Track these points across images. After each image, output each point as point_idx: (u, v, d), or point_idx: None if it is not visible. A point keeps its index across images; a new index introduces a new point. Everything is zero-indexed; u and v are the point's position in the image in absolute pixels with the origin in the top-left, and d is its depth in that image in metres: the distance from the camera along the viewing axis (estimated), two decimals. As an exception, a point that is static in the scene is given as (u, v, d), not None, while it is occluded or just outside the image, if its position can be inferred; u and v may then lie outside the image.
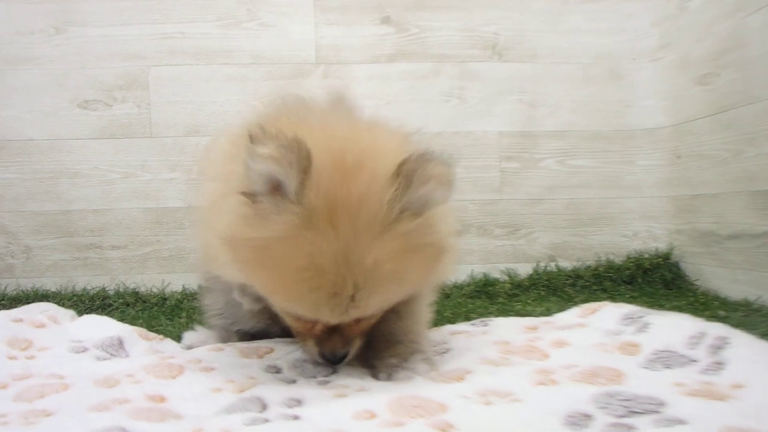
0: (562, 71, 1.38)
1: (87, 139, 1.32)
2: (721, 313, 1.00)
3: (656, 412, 0.47)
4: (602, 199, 1.38)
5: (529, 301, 1.21)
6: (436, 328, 0.81)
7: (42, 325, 0.76)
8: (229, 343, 0.73)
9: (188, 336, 0.82)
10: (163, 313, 1.17)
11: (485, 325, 0.80)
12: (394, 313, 0.64)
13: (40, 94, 1.31)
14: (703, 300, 1.14)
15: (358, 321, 0.58)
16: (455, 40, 1.36)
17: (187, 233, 1.33)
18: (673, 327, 0.64)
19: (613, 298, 1.22)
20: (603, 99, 1.38)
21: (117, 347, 0.73)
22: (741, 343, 0.56)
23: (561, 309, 1.09)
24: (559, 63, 1.38)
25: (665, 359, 0.58)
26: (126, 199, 1.32)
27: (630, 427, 0.45)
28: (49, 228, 1.31)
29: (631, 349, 0.62)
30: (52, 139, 1.31)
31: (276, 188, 0.53)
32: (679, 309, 1.07)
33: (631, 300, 1.18)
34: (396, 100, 1.35)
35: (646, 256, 1.34)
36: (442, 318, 1.03)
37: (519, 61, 1.37)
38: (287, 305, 0.58)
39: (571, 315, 0.80)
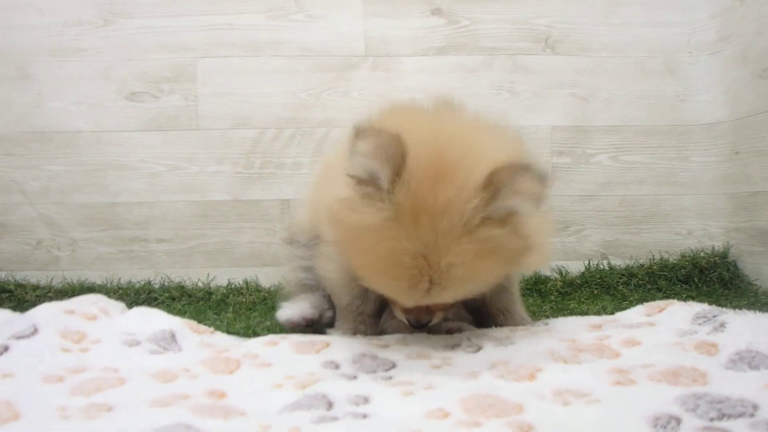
0: (615, 64, 1.36)
1: (134, 131, 1.32)
2: None
3: (751, 415, 0.45)
4: (656, 196, 1.36)
5: (582, 299, 1.20)
6: (489, 329, 0.79)
7: (94, 317, 0.75)
8: (284, 337, 0.72)
9: (283, 312, 0.84)
10: (210, 308, 1.17)
11: (546, 324, 0.79)
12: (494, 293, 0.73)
13: (87, 85, 1.32)
14: (765, 300, 1.11)
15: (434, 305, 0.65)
16: (506, 33, 1.35)
17: (233, 227, 1.33)
18: (754, 326, 0.61)
19: (669, 297, 1.18)
20: (658, 93, 1.36)
21: (169, 341, 0.72)
22: None
23: (617, 308, 1.08)
24: (613, 56, 1.36)
25: (750, 360, 0.56)
26: (172, 191, 1.32)
27: (725, 430, 0.43)
28: (94, 220, 1.32)
29: (709, 348, 0.60)
30: (98, 131, 1.32)
31: (374, 179, 0.59)
32: (740, 309, 1.05)
33: (689, 299, 1.15)
34: (446, 92, 1.33)
35: (702, 254, 1.31)
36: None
37: (571, 54, 1.35)
38: (372, 285, 0.65)
39: (636, 313, 0.78)
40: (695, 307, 0.72)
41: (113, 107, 1.32)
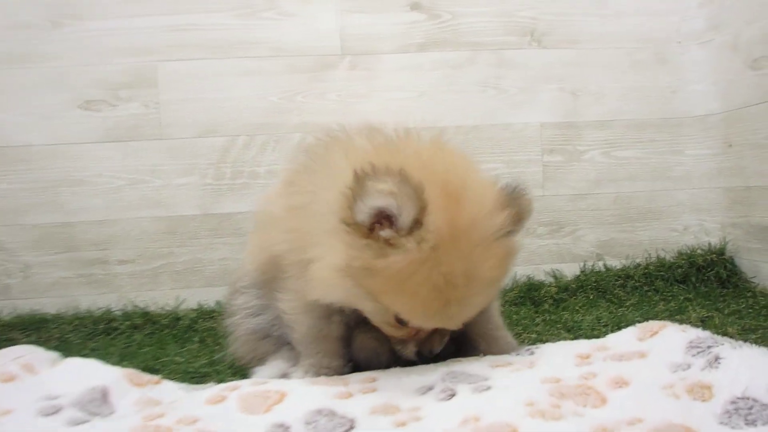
0: (605, 57, 1.32)
1: (90, 143, 1.22)
2: None
3: None
4: (651, 191, 1.33)
5: (577, 308, 1.15)
6: (474, 358, 0.73)
7: (11, 378, 0.66)
8: (237, 386, 0.65)
9: (262, 371, 0.78)
10: (174, 338, 1.09)
11: (531, 354, 0.73)
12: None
13: (38, 95, 1.22)
14: (763, 302, 1.09)
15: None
16: (491, 27, 1.30)
17: (204, 244, 1.24)
18: (751, 366, 0.57)
19: (667, 300, 1.16)
20: (649, 85, 1.33)
21: (99, 402, 0.64)
22: None
23: (613, 317, 1.04)
24: (602, 48, 1.32)
25: (746, 411, 0.51)
26: (134, 207, 1.22)
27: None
28: (49, 242, 1.21)
29: (703, 392, 0.55)
30: (52, 144, 1.22)
31: (391, 217, 0.60)
32: (739, 313, 1.03)
33: (687, 302, 1.14)
34: (429, 91, 1.28)
35: (699, 252, 1.28)
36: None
37: (559, 48, 1.31)
38: (418, 320, 0.65)
39: (628, 337, 0.73)
40: (690, 334, 0.67)
41: (67, 117, 1.23)
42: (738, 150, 1.26)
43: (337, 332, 0.74)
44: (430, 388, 0.63)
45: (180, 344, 1.04)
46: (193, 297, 1.23)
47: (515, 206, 0.65)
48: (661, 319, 1.01)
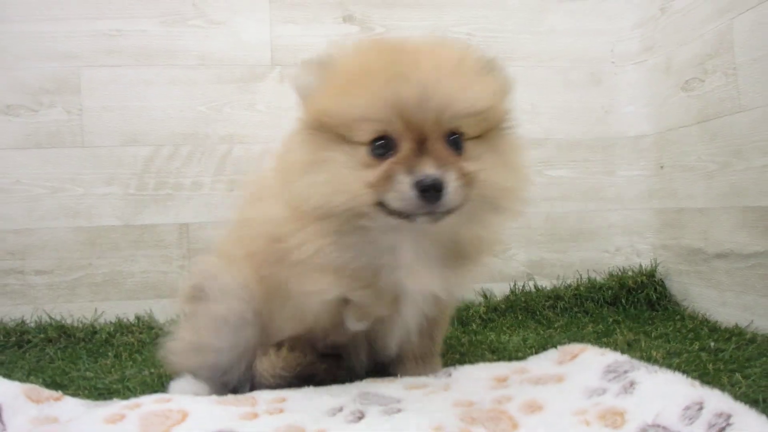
0: (539, 75, 1.34)
1: (8, 149, 1.21)
2: (712, 344, 0.96)
3: None
4: (582, 212, 1.34)
5: (504, 329, 1.17)
6: (391, 378, 0.74)
7: None
8: (140, 404, 0.65)
9: (175, 386, 0.76)
10: (88, 352, 1.08)
11: (449, 376, 0.74)
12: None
13: (-47, 97, 1.19)
14: (691, 326, 1.11)
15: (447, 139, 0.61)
16: (424, 41, 1.30)
17: (124, 255, 1.23)
18: (664, 392, 0.58)
19: (596, 321, 1.18)
20: (583, 105, 1.35)
21: None
22: (746, 424, 0.50)
23: (540, 338, 1.06)
24: (536, 66, 1.34)
25: None
26: (53, 217, 1.21)
27: None
28: (-38, 251, 1.19)
29: (615, 419, 0.56)
30: (-34, 149, 1.20)
31: None
32: (666, 336, 1.05)
33: (615, 325, 1.16)
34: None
35: (630, 273, 1.31)
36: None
37: (493, 64, 1.31)
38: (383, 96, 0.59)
39: (548, 361, 0.75)
40: (608, 357, 0.69)
41: (-16, 122, 1.20)
42: (669, 172, 1.28)
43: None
44: (340, 410, 0.64)
45: (93, 359, 1.04)
46: (111, 310, 1.22)
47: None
48: (587, 342, 1.03)
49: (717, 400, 0.53)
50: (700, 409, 0.53)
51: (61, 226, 1.22)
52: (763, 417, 0.51)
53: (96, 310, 1.21)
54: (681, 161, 1.24)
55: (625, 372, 0.63)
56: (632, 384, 0.60)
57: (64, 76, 1.23)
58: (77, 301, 1.22)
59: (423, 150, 0.59)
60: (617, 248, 1.35)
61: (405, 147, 0.59)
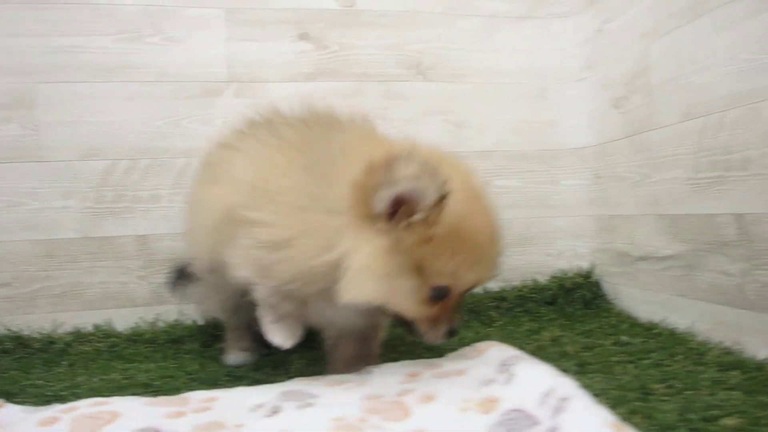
0: (488, 91, 1.42)
1: (-36, 163, 1.22)
2: (625, 338, 1.07)
3: None
4: (529, 218, 1.43)
5: None
6: (316, 377, 0.80)
7: None
8: (73, 408, 0.69)
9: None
10: (44, 361, 1.11)
11: (369, 373, 0.80)
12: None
13: None
14: (614, 322, 1.22)
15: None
16: (378, 59, 1.37)
17: (83, 267, 1.26)
18: (532, 381, 0.66)
19: (535, 319, 1.29)
20: (530, 119, 1.43)
21: None
22: (576, 408, 0.58)
23: (477, 336, 1.16)
24: (486, 82, 1.42)
25: (510, 423, 0.60)
26: (10, 230, 1.24)
27: None
28: None
29: (489, 406, 0.64)
30: None
31: (412, 200, 0.65)
32: (589, 332, 1.16)
33: (549, 322, 1.26)
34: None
35: (570, 275, 1.41)
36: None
37: (445, 81, 1.40)
38: (469, 273, 0.70)
39: (460, 357, 0.82)
40: (505, 352, 0.75)
41: (-61, 137, 1.22)
42: (604, 181, 1.38)
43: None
44: (261, 406, 0.69)
45: (47, 368, 1.06)
46: (71, 320, 1.25)
47: None
48: (518, 338, 1.12)
49: (564, 386, 0.61)
50: (550, 395, 0.61)
51: (19, 240, 1.24)
52: (592, 401, 0.60)
53: (55, 320, 1.24)
54: (613, 172, 1.35)
55: (512, 365, 0.71)
56: (512, 375, 0.68)
57: (20, 91, 1.25)
58: (36, 312, 1.24)
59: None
60: (560, 252, 1.44)
61: (453, 299, 0.73)
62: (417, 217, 0.65)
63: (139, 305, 1.27)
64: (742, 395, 0.75)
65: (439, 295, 0.70)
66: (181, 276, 1.15)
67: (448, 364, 0.79)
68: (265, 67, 1.34)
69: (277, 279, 0.72)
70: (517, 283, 1.39)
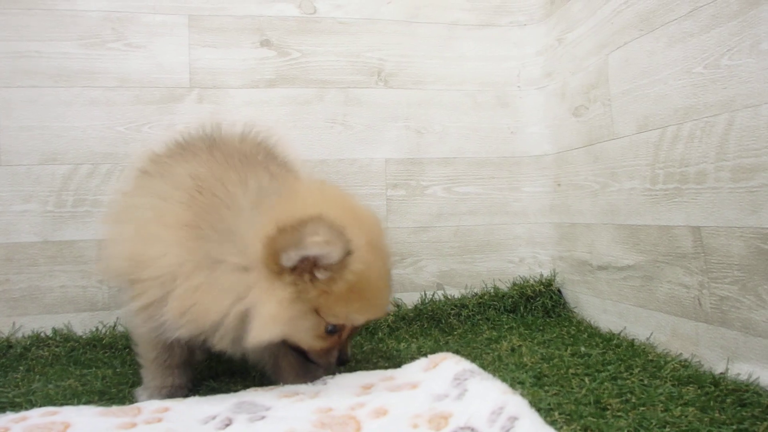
0: (449, 98, 1.45)
1: (-76, 167, 1.24)
2: (582, 349, 1.08)
3: None
4: (489, 225, 1.46)
5: (407, 337, 1.27)
6: (272, 387, 0.82)
7: None
8: (26, 417, 0.71)
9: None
10: (1, 366, 1.13)
11: (324, 384, 0.82)
12: None
13: None
14: (574, 331, 1.23)
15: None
16: (339, 66, 1.40)
17: (43, 271, 1.28)
18: (482, 398, 0.68)
19: (495, 328, 1.30)
20: (490, 126, 1.47)
21: None
22: (524, 427, 0.60)
23: (436, 345, 1.18)
24: (447, 89, 1.45)
25: None
26: None
27: None
28: None
29: (440, 422, 0.66)
30: None
31: (318, 260, 0.73)
32: (548, 342, 1.17)
33: (509, 331, 1.27)
34: (277, 126, 1.37)
35: (531, 282, 1.43)
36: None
37: (405, 88, 1.43)
38: (359, 317, 0.79)
39: (415, 369, 0.84)
40: (460, 366, 0.77)
41: None
42: (564, 189, 1.41)
43: (178, 361, 0.88)
44: (213, 418, 0.70)
45: (4, 373, 1.08)
46: (30, 324, 1.26)
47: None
48: (477, 347, 1.13)
49: (514, 404, 0.63)
50: (500, 413, 0.63)
51: (-22, 243, 1.26)
52: (540, 420, 0.61)
53: (13, 324, 1.25)
54: (573, 180, 1.37)
55: (465, 380, 0.72)
56: (465, 390, 0.70)
57: (-18, 95, 1.27)
58: (-6, 316, 1.26)
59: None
60: (521, 259, 1.47)
61: (346, 333, 0.83)
62: (320, 274, 0.74)
63: (98, 309, 1.29)
64: (697, 412, 0.76)
65: (333, 330, 0.79)
66: None
67: (402, 376, 0.80)
68: (227, 74, 1.36)
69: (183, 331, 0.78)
70: (477, 290, 1.42)
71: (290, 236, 0.71)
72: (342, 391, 0.77)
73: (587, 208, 1.31)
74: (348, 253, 0.72)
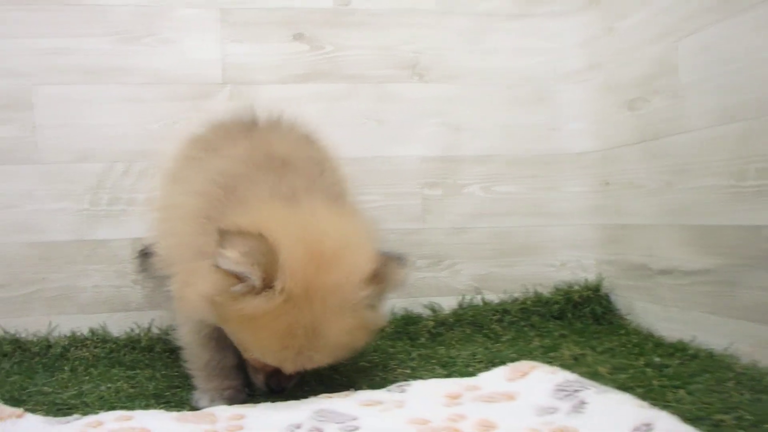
0: (485, 93, 1.41)
1: (-39, 165, 1.26)
2: (657, 359, 1.02)
3: None
4: (528, 227, 1.42)
5: (453, 343, 1.25)
6: (346, 393, 0.81)
7: None
8: (95, 430, 0.71)
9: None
10: (44, 366, 1.15)
11: (402, 392, 0.78)
12: None
13: None
14: (636, 340, 1.18)
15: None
16: (372, 60, 1.38)
17: (77, 270, 1.29)
18: (614, 413, 0.62)
19: (542, 335, 1.26)
20: (528, 122, 1.43)
21: None
22: None
23: (488, 353, 1.15)
24: (482, 84, 1.41)
25: None
26: (5, 232, 1.29)
27: None
28: None
29: None
30: None
31: (246, 278, 0.71)
32: (612, 351, 1.12)
33: (561, 339, 1.24)
34: (308, 123, 1.34)
35: (576, 288, 1.40)
36: (357, 371, 1.04)
37: (440, 82, 1.40)
38: (258, 356, 0.77)
39: (498, 377, 0.80)
40: (558, 376, 0.73)
41: (-64, 139, 1.26)
42: (614, 188, 1.36)
43: (234, 360, 0.88)
44: (298, 427, 0.68)
45: (49, 373, 1.10)
46: (66, 324, 1.29)
47: (386, 280, 0.76)
48: (534, 356, 1.11)
49: (665, 422, 0.57)
50: (649, 430, 0.56)
51: (13, 242, 1.29)
52: None
53: (50, 323, 1.28)
54: (624, 178, 1.32)
55: (575, 391, 0.67)
56: (582, 403, 0.64)
57: (16, 93, 1.29)
58: (31, 315, 1.28)
59: None
60: (562, 263, 1.43)
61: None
62: (237, 287, 0.72)
63: (132, 310, 1.31)
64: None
65: None
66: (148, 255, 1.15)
67: (486, 385, 0.77)
68: (259, 69, 1.35)
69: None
70: (518, 295, 1.39)
71: (219, 241, 0.70)
72: (427, 401, 0.73)
73: (644, 208, 1.25)
74: (267, 281, 0.70)
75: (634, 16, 1.26)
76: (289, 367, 0.77)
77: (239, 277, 0.71)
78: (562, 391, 0.69)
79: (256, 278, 0.70)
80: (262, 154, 0.85)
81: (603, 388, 0.68)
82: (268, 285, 0.70)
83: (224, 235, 0.69)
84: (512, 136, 1.43)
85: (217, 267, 0.71)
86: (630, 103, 1.29)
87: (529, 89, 1.44)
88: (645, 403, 0.63)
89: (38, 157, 1.30)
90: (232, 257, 0.69)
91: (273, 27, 1.36)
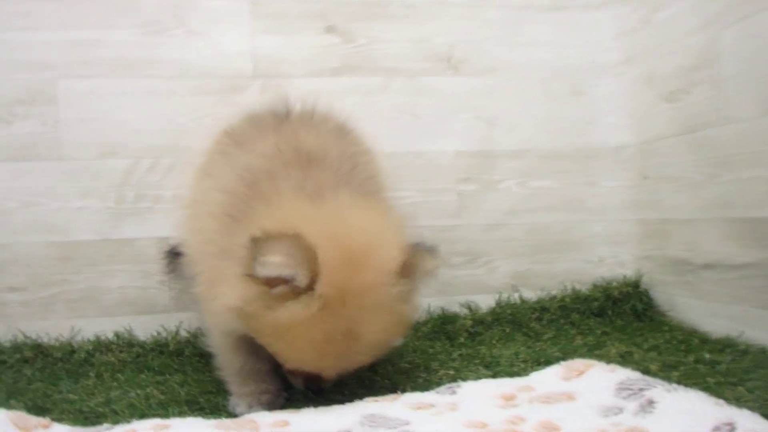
0: (520, 86, 1.40)
1: (-20, 162, 1.21)
2: (707, 356, 1.00)
3: None
4: (565, 222, 1.40)
5: (494, 342, 1.22)
6: (393, 396, 0.77)
7: None
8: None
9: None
10: (68, 372, 1.10)
11: (453, 393, 0.75)
12: None
13: None
14: (680, 337, 1.16)
15: None
16: (407, 52, 1.36)
17: (102, 270, 1.25)
18: (689, 411, 0.59)
19: (584, 333, 1.24)
20: (564, 115, 1.41)
21: None
22: None
23: (531, 352, 1.11)
24: (518, 77, 1.40)
25: None
26: (26, 232, 1.24)
27: None
28: (-69, 267, 1.19)
29: None
30: (-64, 162, 1.20)
31: (288, 280, 0.68)
32: (658, 348, 1.09)
33: (604, 336, 1.21)
34: (344, 114, 1.31)
35: (615, 284, 1.38)
36: (397, 372, 1.01)
37: (475, 75, 1.39)
38: (297, 366, 0.76)
39: (553, 377, 0.77)
40: (619, 374, 0.70)
41: (-46, 134, 1.22)
42: (653, 182, 1.34)
43: (270, 364, 0.83)
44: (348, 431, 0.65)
45: (74, 380, 1.05)
46: (89, 327, 1.24)
47: (416, 271, 0.73)
48: (580, 355, 1.07)
49: (747, 420, 0.54)
50: (732, 430, 0.53)
51: (35, 241, 1.24)
52: None
53: (73, 327, 1.23)
54: (665, 172, 1.30)
55: (641, 390, 0.64)
56: (651, 403, 0.61)
57: (39, 86, 1.25)
58: (53, 318, 1.23)
59: None
60: (600, 259, 1.41)
61: None
62: (279, 289, 0.69)
63: (159, 312, 1.26)
64: None
65: None
66: (177, 255, 1.11)
67: (540, 385, 0.74)
68: (291, 62, 1.33)
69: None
70: (555, 292, 1.37)
71: (257, 250, 0.67)
72: (481, 403, 0.70)
73: (685, 202, 1.24)
74: (311, 282, 0.67)
75: (672, 8, 1.26)
76: (330, 373, 0.75)
77: (278, 281, 0.68)
78: (626, 389, 0.66)
79: (302, 277, 0.67)
80: (289, 149, 0.82)
81: (670, 386, 0.65)
82: (311, 286, 0.67)
83: (258, 243, 0.66)
84: (548, 130, 1.41)
85: (248, 276, 0.68)
86: (669, 96, 1.28)
87: (564, 82, 1.42)
88: (722, 401, 0.60)
89: (61, 153, 1.25)
90: (276, 261, 0.66)
91: (304, 19, 1.34)
